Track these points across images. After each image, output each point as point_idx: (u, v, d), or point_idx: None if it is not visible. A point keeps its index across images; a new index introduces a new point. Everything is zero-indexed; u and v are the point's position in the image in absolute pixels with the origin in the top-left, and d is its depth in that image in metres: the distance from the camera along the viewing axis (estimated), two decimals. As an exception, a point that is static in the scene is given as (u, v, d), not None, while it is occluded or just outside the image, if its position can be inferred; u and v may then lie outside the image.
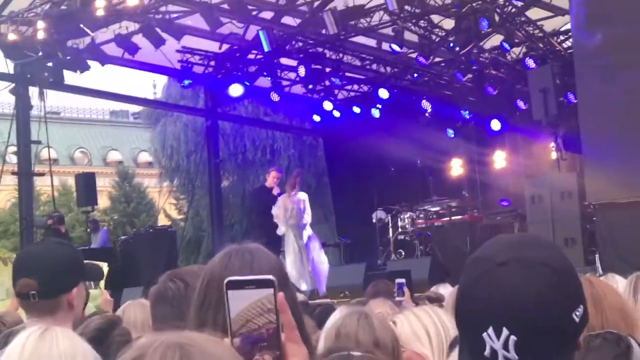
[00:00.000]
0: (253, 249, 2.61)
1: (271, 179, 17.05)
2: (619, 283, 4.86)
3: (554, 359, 1.83)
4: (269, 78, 20.34)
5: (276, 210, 16.38)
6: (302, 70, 19.04)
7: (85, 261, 4.01)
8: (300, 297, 5.25)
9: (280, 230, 16.44)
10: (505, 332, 1.80)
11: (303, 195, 16.70)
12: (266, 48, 17.66)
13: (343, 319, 3.77)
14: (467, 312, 1.86)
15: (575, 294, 1.88)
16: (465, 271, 1.93)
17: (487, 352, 1.82)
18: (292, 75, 20.41)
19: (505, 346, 1.80)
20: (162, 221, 38.68)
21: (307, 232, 16.57)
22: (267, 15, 17.94)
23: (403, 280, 7.78)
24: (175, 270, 3.37)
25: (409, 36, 17.64)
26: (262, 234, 16.22)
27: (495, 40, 17.91)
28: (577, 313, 1.85)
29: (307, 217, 16.55)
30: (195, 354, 1.52)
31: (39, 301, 3.66)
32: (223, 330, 2.44)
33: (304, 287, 15.60)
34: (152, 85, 55.50)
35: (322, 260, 16.71)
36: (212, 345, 1.58)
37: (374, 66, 20.82)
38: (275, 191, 16.78)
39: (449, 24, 17.39)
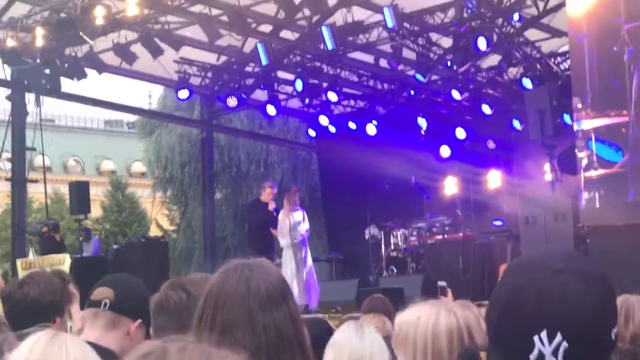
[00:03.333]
0: (253, 264, 2.63)
1: (267, 194, 17.13)
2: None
3: None
4: (266, 91, 20.35)
5: (279, 226, 16.50)
6: (299, 85, 19.04)
7: None
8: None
9: (284, 243, 16.54)
10: (558, 337, 1.81)
11: (300, 213, 16.80)
12: (264, 61, 17.69)
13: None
14: (517, 314, 1.87)
15: (616, 312, 1.91)
16: (511, 276, 1.94)
17: (533, 356, 1.83)
18: (289, 89, 20.42)
19: (555, 352, 1.82)
20: (154, 232, 38.60)
21: (304, 248, 16.66)
22: (266, 28, 17.97)
23: (444, 283, 7.85)
24: (177, 279, 3.36)
25: (406, 53, 17.68)
26: (257, 248, 16.26)
27: (493, 59, 17.97)
28: (614, 330, 1.89)
29: (306, 233, 16.69)
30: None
31: (107, 312, 3.74)
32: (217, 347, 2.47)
33: (298, 302, 15.61)
34: (148, 95, 55.45)
35: (314, 278, 16.79)
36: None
37: (371, 82, 20.85)
38: (271, 206, 16.86)
39: (447, 42, 17.44)
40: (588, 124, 13.79)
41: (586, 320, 1.83)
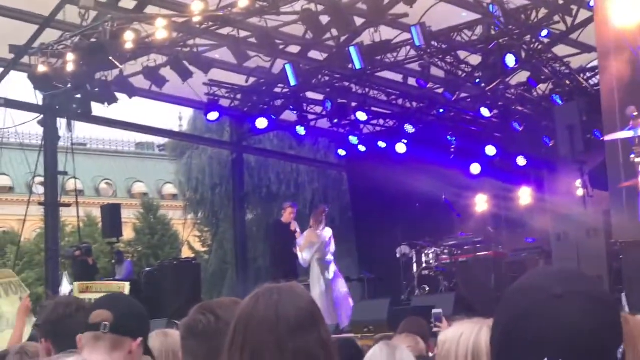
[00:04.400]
0: (283, 289, 2.63)
1: (287, 214, 17.12)
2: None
3: None
4: (295, 112, 20.42)
5: (301, 242, 16.47)
6: (328, 105, 19.10)
7: None
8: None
9: (303, 261, 16.50)
10: None
11: (328, 231, 16.73)
12: (292, 82, 17.76)
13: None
14: (518, 342, 1.85)
15: (621, 332, 1.89)
16: (511, 301, 1.91)
17: None
18: (318, 109, 20.47)
19: None
20: (186, 253, 38.76)
21: (332, 267, 16.59)
22: (294, 49, 18.06)
23: (440, 311, 7.86)
24: (205, 303, 3.36)
25: (435, 71, 17.68)
26: (281, 269, 16.26)
27: (522, 76, 17.93)
28: (620, 350, 1.86)
29: (331, 253, 16.60)
30: None
31: (108, 335, 3.71)
32: None
33: (328, 321, 15.59)
34: (178, 118, 55.84)
35: (345, 295, 16.72)
36: None
37: (400, 101, 20.85)
38: (293, 226, 16.84)
39: (475, 59, 17.43)
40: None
41: (587, 345, 1.80)
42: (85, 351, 3.71)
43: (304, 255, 16.45)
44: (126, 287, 11.90)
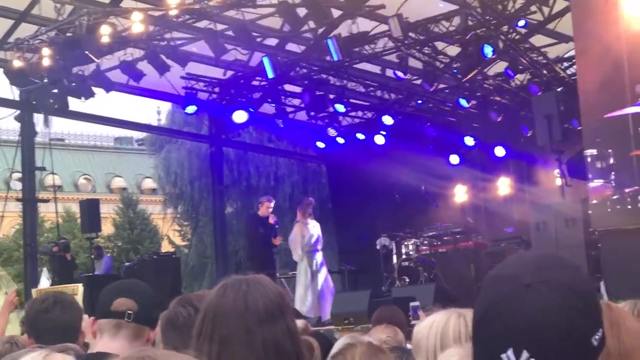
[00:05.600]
0: (251, 280, 2.65)
1: (265, 208, 17.06)
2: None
3: None
4: (273, 104, 20.38)
5: (292, 237, 16.55)
6: (306, 97, 19.08)
7: None
8: (300, 323, 5.29)
9: (297, 257, 16.58)
10: (525, 354, 1.78)
11: (316, 225, 16.83)
12: (270, 74, 17.70)
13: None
14: (488, 331, 1.85)
15: (597, 319, 1.87)
16: (486, 289, 1.90)
17: None
18: (296, 101, 20.45)
19: None
20: (166, 248, 38.73)
21: (319, 259, 16.67)
22: (272, 42, 18.02)
23: (417, 304, 7.88)
24: (185, 296, 3.38)
25: (413, 63, 17.68)
26: (258, 263, 16.26)
27: (500, 66, 17.96)
28: (597, 337, 1.84)
29: (320, 245, 16.71)
30: None
31: (131, 324, 3.71)
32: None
33: (312, 314, 15.69)
34: (157, 112, 55.60)
35: (329, 286, 16.81)
36: None
37: (378, 93, 20.86)
38: (272, 220, 16.83)
39: (453, 50, 17.44)
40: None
41: (553, 335, 1.78)
42: (105, 338, 3.69)
43: (297, 252, 16.59)
44: (79, 289, 11.94)
